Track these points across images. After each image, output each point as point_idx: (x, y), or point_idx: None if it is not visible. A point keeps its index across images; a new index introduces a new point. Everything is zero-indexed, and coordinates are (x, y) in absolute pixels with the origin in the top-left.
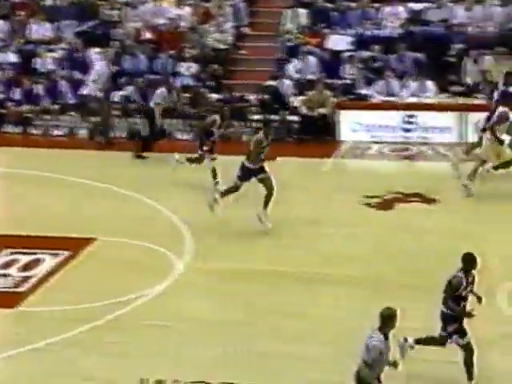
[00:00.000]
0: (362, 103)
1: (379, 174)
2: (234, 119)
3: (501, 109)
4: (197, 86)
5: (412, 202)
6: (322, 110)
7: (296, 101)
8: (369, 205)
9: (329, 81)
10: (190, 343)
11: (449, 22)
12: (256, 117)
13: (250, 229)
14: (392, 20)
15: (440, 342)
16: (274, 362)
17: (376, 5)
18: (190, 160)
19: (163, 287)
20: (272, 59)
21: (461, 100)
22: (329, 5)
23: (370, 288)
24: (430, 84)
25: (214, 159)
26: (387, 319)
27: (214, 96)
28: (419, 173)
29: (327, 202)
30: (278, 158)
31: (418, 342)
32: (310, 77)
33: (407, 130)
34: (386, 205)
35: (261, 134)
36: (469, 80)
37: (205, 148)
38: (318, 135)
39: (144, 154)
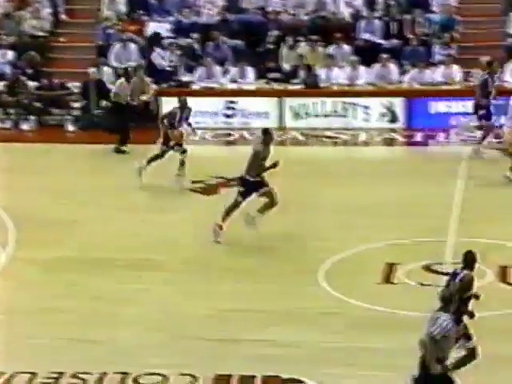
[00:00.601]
0: (183, 90)
1: (202, 159)
2: (55, 107)
3: None
4: (14, 73)
5: (235, 186)
6: (142, 97)
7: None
8: (193, 190)
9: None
10: (15, 335)
11: (264, 10)
12: (76, 104)
13: (72, 216)
14: (209, 8)
15: None
16: (103, 349)
17: None
18: (151, 159)
19: None
20: (91, 46)
21: (278, 86)
22: None
23: (195, 272)
24: (249, 70)
25: (183, 152)
26: (447, 299)
27: (33, 84)
28: (241, 157)
29: (152, 188)
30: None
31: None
32: (129, 64)
33: (228, 116)
34: (209, 190)
35: (259, 144)
36: (286, 66)
37: (171, 143)
38: (140, 122)
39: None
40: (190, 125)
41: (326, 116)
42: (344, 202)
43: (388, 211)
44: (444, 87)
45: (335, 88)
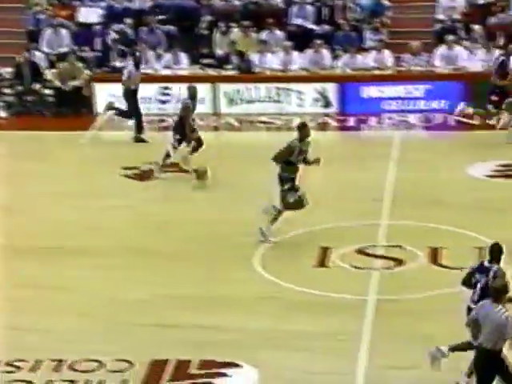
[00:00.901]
0: (116, 76)
1: (137, 145)
2: None
3: None
4: None
5: (169, 171)
6: (74, 83)
7: (49, 74)
8: (127, 176)
9: (82, 54)
10: None
11: None
12: (8, 90)
13: (8, 203)
14: None
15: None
16: (38, 336)
17: None
18: (191, 151)
19: None
20: (22, 32)
21: (212, 71)
22: None
23: (131, 258)
24: (182, 56)
25: (175, 148)
26: (502, 291)
27: None
28: None
29: (86, 175)
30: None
31: (454, 349)
32: (61, 49)
33: (163, 102)
34: (143, 176)
35: (295, 140)
36: (219, 52)
37: (177, 137)
38: (74, 108)
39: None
40: (193, 120)
41: (260, 101)
42: None
43: (322, 195)
44: (376, 72)
45: (268, 73)
